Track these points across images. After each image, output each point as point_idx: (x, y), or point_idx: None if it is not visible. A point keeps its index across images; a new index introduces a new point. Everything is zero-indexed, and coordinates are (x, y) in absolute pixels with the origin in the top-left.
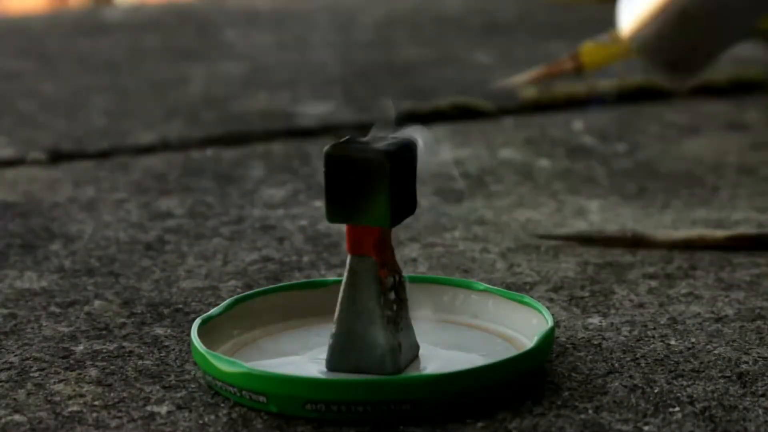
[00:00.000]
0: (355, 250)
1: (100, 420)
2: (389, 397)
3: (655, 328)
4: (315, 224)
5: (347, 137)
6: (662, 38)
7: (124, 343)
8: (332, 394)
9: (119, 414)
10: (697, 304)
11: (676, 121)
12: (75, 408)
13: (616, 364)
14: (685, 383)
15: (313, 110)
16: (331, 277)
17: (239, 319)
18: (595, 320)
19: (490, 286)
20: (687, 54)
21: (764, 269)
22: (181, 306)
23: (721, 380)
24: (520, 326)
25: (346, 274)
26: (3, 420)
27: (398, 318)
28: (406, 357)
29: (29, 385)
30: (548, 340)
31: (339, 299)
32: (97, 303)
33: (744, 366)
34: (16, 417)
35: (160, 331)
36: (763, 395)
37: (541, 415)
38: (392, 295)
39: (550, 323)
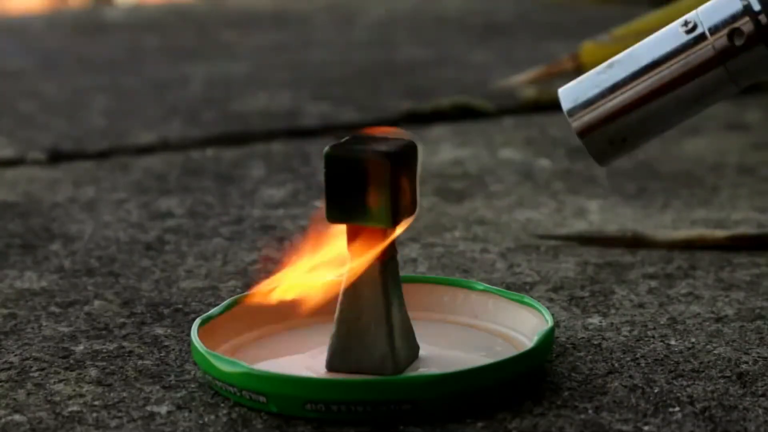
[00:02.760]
0: (355, 250)
1: (100, 420)
2: (389, 397)
3: (655, 328)
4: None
5: (347, 137)
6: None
7: (124, 343)
8: (332, 394)
9: (119, 414)
10: (697, 304)
11: None
12: (75, 408)
13: (616, 364)
14: (685, 383)
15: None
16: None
17: (239, 319)
18: (595, 320)
19: (490, 286)
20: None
21: (764, 269)
22: (181, 306)
23: (721, 380)
24: (520, 326)
25: (346, 274)
26: (3, 420)
27: (398, 319)
28: (406, 357)
29: (29, 385)
30: (548, 340)
31: (339, 299)
32: (97, 303)
33: (744, 366)
34: (16, 417)
35: (160, 331)
36: (763, 395)
37: (541, 415)
38: (392, 296)
39: (550, 323)
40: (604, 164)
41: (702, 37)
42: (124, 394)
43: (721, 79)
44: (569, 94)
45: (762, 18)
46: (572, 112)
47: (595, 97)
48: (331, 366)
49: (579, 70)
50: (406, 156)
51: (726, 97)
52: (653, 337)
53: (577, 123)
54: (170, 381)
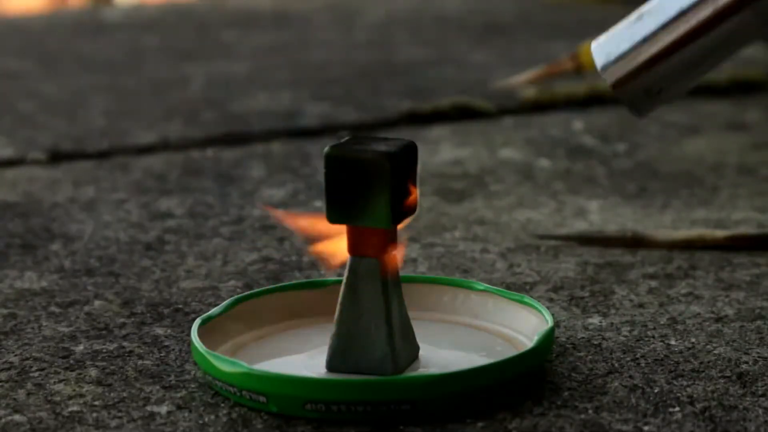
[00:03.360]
0: (355, 251)
1: (100, 420)
2: (389, 397)
3: (655, 328)
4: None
5: (347, 137)
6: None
7: (124, 343)
8: (332, 394)
9: (119, 414)
10: (697, 304)
11: (676, 121)
12: (75, 408)
13: (616, 364)
14: (685, 383)
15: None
16: (331, 277)
17: (239, 319)
18: (595, 320)
19: (490, 286)
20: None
21: (764, 269)
22: (181, 306)
23: (721, 380)
24: (520, 326)
25: (346, 274)
26: (3, 420)
27: (398, 319)
28: (406, 358)
29: (29, 385)
30: (548, 340)
31: (339, 300)
32: (97, 303)
33: (744, 366)
34: (16, 417)
35: (160, 331)
36: (763, 395)
37: (541, 415)
38: (392, 296)
39: (550, 323)
40: (642, 115)
41: None
42: (124, 394)
43: (749, 22)
44: (602, 49)
45: None
46: (606, 66)
47: (627, 50)
48: (331, 366)
49: (579, 70)
50: (406, 156)
51: (755, 40)
52: (653, 337)
53: (611, 77)
54: (170, 381)
